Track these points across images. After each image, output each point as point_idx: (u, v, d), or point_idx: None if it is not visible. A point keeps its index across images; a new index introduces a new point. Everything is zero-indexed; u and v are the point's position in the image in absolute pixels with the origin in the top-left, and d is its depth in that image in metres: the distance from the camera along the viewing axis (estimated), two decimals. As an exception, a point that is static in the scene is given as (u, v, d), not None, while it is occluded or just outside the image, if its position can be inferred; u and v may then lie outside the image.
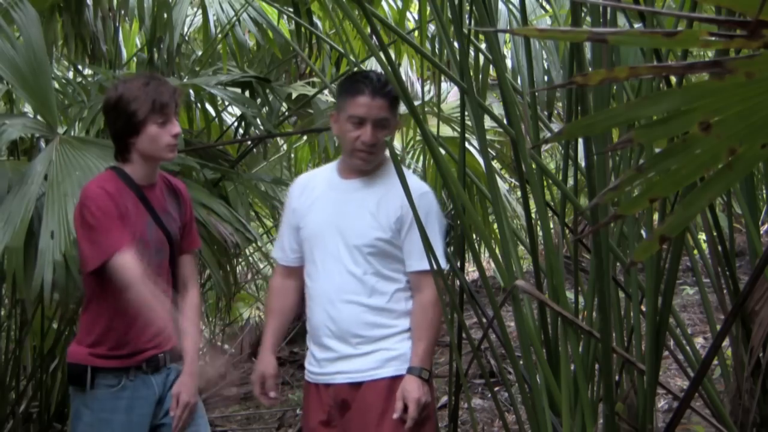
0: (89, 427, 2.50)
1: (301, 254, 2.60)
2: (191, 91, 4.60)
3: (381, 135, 2.46)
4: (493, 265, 3.02)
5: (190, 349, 2.61)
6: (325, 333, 2.49)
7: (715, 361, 3.11)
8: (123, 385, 2.51)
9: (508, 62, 4.87)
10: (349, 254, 2.47)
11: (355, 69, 3.04)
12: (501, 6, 4.42)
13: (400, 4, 5.12)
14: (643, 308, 2.60)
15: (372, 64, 5.55)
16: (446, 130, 5.16)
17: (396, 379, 2.46)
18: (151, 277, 2.44)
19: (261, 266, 9.00)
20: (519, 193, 4.35)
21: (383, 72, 2.54)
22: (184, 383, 2.57)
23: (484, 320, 3.24)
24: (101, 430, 2.50)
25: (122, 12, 4.90)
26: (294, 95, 4.86)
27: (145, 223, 2.52)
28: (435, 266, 2.47)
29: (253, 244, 6.64)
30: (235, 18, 4.86)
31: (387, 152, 2.58)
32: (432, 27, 4.56)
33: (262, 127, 4.67)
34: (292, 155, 6.67)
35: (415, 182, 2.61)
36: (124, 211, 2.45)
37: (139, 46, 5.96)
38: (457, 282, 3.08)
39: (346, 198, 2.52)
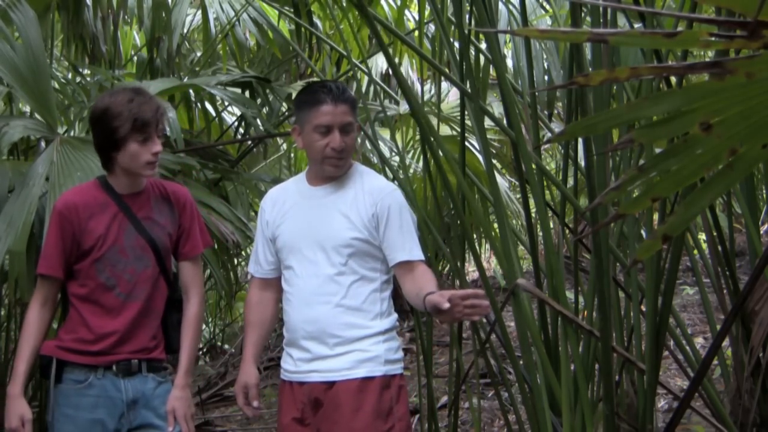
0: (54, 421, 2.50)
1: (276, 266, 2.66)
2: (191, 91, 4.61)
3: (348, 140, 2.52)
4: (493, 265, 3.02)
5: (183, 362, 2.62)
6: (302, 335, 2.54)
7: (715, 361, 3.12)
8: (90, 383, 2.49)
9: (509, 62, 4.87)
10: (326, 257, 2.52)
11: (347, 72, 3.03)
12: (501, 6, 4.42)
13: (399, 3, 5.12)
14: (643, 308, 2.60)
15: (373, 64, 5.56)
16: (446, 130, 5.17)
17: (367, 380, 2.49)
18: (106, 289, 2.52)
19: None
20: (519, 193, 4.35)
21: (390, 68, 2.55)
22: (177, 398, 2.57)
23: (484, 320, 3.25)
24: (64, 426, 2.49)
25: (122, 13, 4.90)
26: (294, 95, 4.85)
27: (123, 230, 2.54)
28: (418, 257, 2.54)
29: (254, 244, 6.65)
30: (235, 18, 4.86)
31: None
32: (432, 27, 4.57)
33: (262, 127, 4.67)
34: (292, 155, 6.67)
35: (382, 182, 2.67)
36: (82, 229, 2.50)
37: (139, 46, 5.96)
38: (457, 282, 3.08)
39: (318, 204, 2.58)
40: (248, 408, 2.62)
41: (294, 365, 2.56)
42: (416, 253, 2.53)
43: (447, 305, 2.26)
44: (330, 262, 2.52)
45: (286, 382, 2.59)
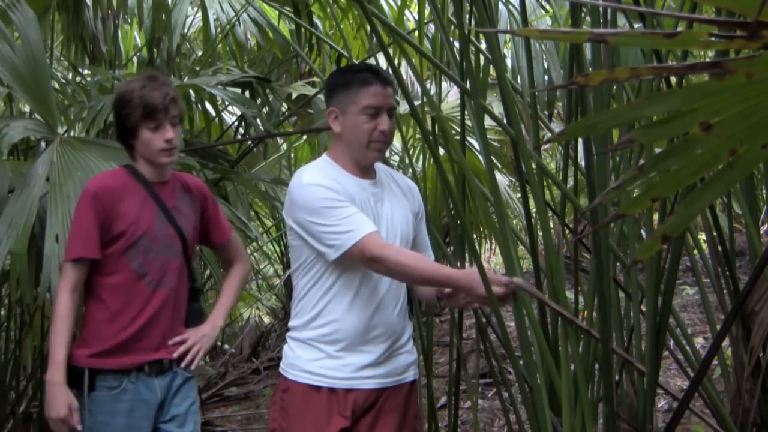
0: (88, 430, 2.45)
1: None
2: (191, 91, 4.61)
3: (392, 125, 2.39)
4: (492, 265, 3.02)
5: (223, 303, 2.75)
6: (368, 337, 2.36)
7: (715, 361, 3.12)
8: (124, 388, 2.47)
9: (508, 62, 4.87)
10: None
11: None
12: (501, 6, 4.42)
13: (398, 2, 5.13)
14: (643, 308, 2.60)
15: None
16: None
17: (413, 383, 2.48)
18: (152, 273, 2.51)
19: (261, 266, 9.01)
20: (519, 192, 4.35)
21: (390, 68, 2.55)
22: (204, 335, 2.64)
23: (484, 320, 3.25)
24: None
25: (122, 13, 4.90)
26: (294, 95, 4.87)
27: (154, 218, 2.54)
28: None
29: (254, 244, 6.66)
30: (235, 18, 4.87)
31: None
32: (431, 27, 4.57)
33: (262, 127, 4.67)
34: (292, 155, 6.68)
35: (407, 179, 2.65)
36: (114, 212, 2.48)
37: (139, 46, 5.96)
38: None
39: (378, 198, 2.41)
40: None
41: (346, 372, 2.35)
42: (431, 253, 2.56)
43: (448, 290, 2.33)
44: None
45: (323, 388, 2.35)
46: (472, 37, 2.96)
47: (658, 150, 1.38)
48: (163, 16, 4.56)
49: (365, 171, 2.41)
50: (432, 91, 5.94)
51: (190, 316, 2.66)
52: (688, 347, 2.83)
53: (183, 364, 2.59)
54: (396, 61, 4.19)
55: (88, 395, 2.46)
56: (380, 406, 2.39)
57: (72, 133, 3.53)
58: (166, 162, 2.58)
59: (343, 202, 2.29)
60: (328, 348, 2.35)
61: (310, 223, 2.30)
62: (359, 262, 2.28)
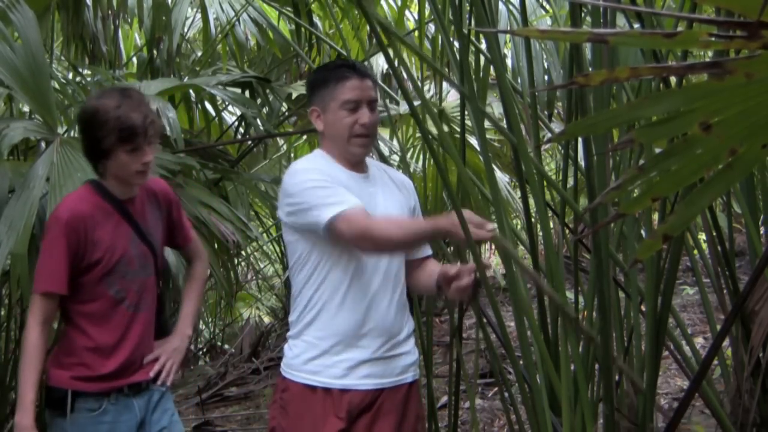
0: None
1: None
2: (191, 91, 4.61)
3: (374, 117, 2.37)
4: (493, 264, 3.02)
5: (187, 314, 2.64)
6: (362, 332, 2.35)
7: (715, 361, 3.12)
8: (104, 409, 2.42)
9: (508, 62, 4.88)
10: None
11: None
12: (501, 6, 4.42)
13: (399, 2, 5.13)
14: (643, 308, 2.60)
15: (373, 64, 5.55)
16: (445, 129, 5.17)
17: (413, 384, 2.44)
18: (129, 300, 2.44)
19: (261, 266, 9.02)
20: (519, 192, 4.35)
21: (390, 68, 2.54)
22: (174, 348, 2.57)
23: (484, 320, 3.25)
24: None
25: (122, 13, 4.91)
26: (294, 95, 4.87)
27: (128, 240, 2.45)
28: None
29: (254, 244, 6.66)
30: (235, 18, 4.87)
31: None
32: (431, 26, 4.57)
33: (262, 127, 4.67)
34: (292, 155, 6.68)
35: (402, 174, 2.64)
36: (89, 240, 2.38)
37: (139, 45, 5.97)
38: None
39: (370, 192, 2.40)
40: None
41: (341, 370, 2.34)
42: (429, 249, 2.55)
43: (454, 270, 2.31)
44: (398, 256, 2.41)
45: (318, 388, 2.34)
46: (472, 37, 2.95)
47: (658, 150, 1.38)
48: (163, 17, 4.56)
49: (355, 166, 2.41)
50: (432, 91, 5.95)
51: (157, 327, 2.60)
52: (688, 347, 2.84)
53: (159, 382, 2.54)
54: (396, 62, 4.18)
55: (69, 417, 2.39)
56: (378, 408, 2.36)
57: (72, 134, 3.53)
58: (141, 182, 2.47)
59: (331, 183, 2.29)
60: (323, 344, 2.35)
61: (300, 202, 2.30)
62: (347, 240, 2.26)
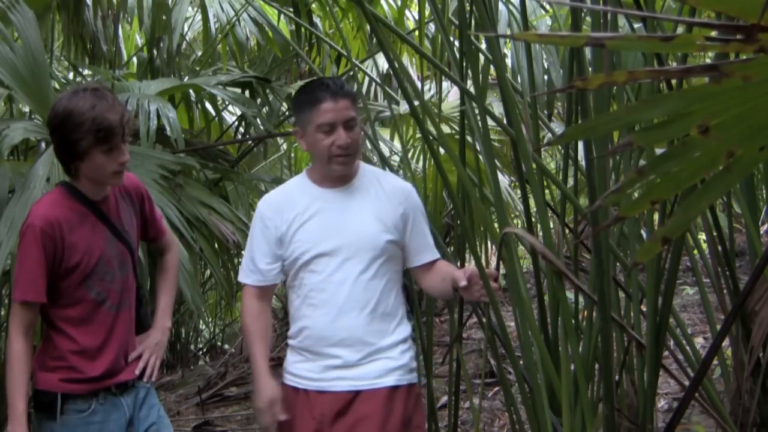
0: None
1: (278, 272, 2.53)
2: (191, 91, 4.62)
3: (353, 135, 2.42)
4: (492, 265, 3.02)
5: (163, 307, 2.66)
6: (331, 342, 2.44)
7: (715, 361, 3.12)
8: (93, 410, 2.41)
9: (508, 62, 4.88)
10: (358, 261, 2.43)
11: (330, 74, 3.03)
12: (501, 6, 4.42)
13: (399, 2, 5.13)
14: (643, 308, 2.61)
15: (372, 64, 5.56)
16: (445, 129, 5.18)
17: (395, 389, 2.44)
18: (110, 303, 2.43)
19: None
20: (519, 192, 4.35)
21: (390, 68, 2.56)
22: (155, 343, 2.58)
23: (484, 319, 3.25)
24: None
25: (122, 13, 4.91)
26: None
27: (104, 241, 2.42)
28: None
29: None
30: (235, 18, 4.87)
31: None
32: (431, 26, 4.57)
33: (262, 127, 4.68)
34: (292, 155, 6.69)
35: (399, 180, 2.65)
36: (65, 245, 2.35)
37: (139, 45, 5.97)
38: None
39: (341, 206, 2.47)
40: (272, 422, 2.46)
41: (316, 373, 2.45)
42: (437, 251, 2.58)
43: (464, 282, 2.40)
44: (363, 266, 2.43)
45: (300, 390, 2.47)
46: (472, 37, 2.95)
47: (659, 151, 1.39)
48: (163, 16, 4.57)
49: (340, 180, 2.50)
50: (432, 91, 5.95)
51: (137, 322, 2.59)
52: (688, 347, 2.84)
53: (145, 379, 2.54)
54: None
55: (59, 419, 2.38)
56: (355, 411, 2.40)
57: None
58: (117, 183, 2.45)
59: (260, 236, 2.52)
60: (302, 350, 2.51)
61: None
62: None
